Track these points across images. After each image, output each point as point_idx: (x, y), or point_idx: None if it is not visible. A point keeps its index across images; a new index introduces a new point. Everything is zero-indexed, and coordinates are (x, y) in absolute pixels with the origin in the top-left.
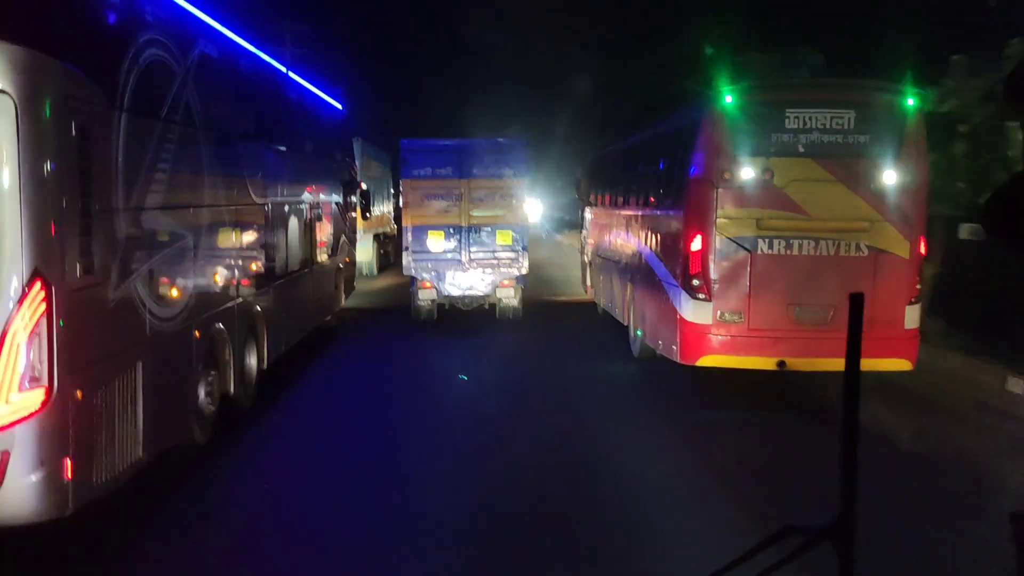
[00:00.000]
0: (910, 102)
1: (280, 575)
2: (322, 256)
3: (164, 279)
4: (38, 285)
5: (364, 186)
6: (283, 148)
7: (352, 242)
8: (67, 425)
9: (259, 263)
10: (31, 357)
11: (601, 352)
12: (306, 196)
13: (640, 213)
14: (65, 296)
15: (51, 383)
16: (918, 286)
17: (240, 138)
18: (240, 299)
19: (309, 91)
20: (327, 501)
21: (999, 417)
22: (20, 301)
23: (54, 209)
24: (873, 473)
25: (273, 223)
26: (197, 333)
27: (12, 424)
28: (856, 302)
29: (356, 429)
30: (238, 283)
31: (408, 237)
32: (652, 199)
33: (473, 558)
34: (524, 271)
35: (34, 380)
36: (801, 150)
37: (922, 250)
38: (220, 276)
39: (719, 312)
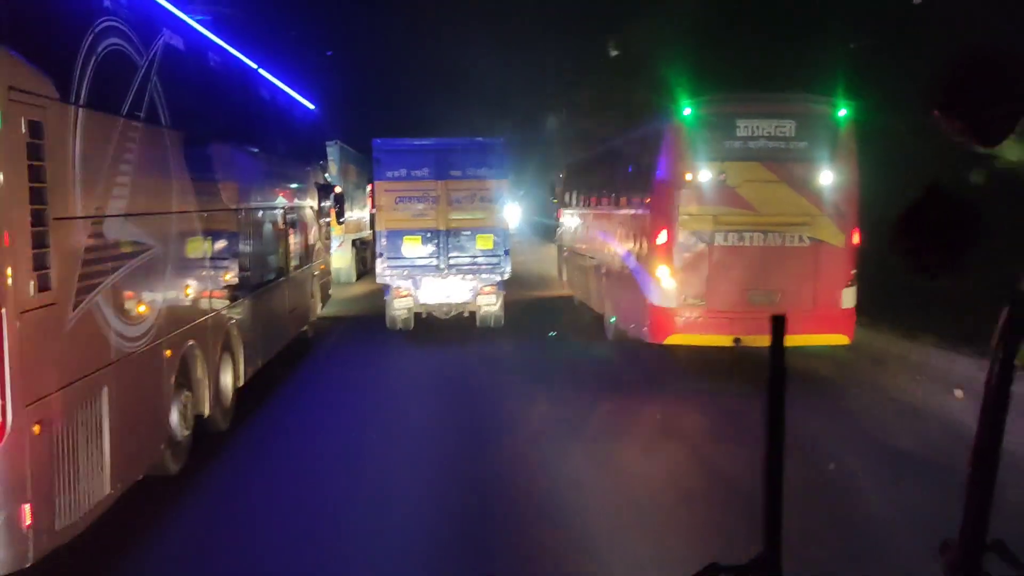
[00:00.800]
0: (841, 112)
1: None
2: (297, 264)
3: (130, 294)
4: None
5: (339, 190)
6: (254, 150)
7: (327, 248)
8: (24, 465)
9: (232, 273)
10: None
11: (579, 337)
12: (279, 201)
13: (613, 212)
14: (18, 317)
15: (4, 418)
16: (853, 271)
17: (209, 139)
18: (213, 313)
19: (280, 90)
20: (312, 536)
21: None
22: None
23: (2, 218)
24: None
25: (246, 230)
26: (168, 352)
27: None
28: (778, 325)
29: (342, 449)
30: (211, 295)
31: (382, 242)
32: (623, 200)
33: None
34: (506, 276)
35: None
36: (750, 155)
37: (856, 240)
38: (192, 288)
39: (683, 297)
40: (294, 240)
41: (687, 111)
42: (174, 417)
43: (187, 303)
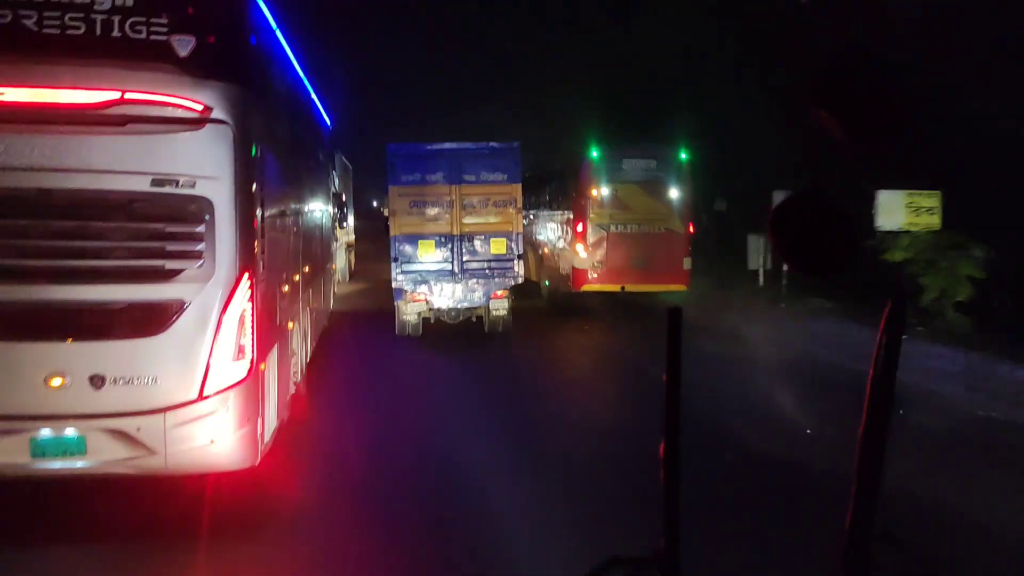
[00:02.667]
0: (683, 155)
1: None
2: (328, 261)
3: (284, 276)
4: (246, 277)
5: (344, 197)
6: (312, 161)
7: (334, 250)
8: (258, 392)
9: (308, 264)
10: (239, 336)
11: (523, 297)
12: (321, 205)
13: (549, 213)
14: (258, 287)
15: (253, 356)
16: (689, 248)
17: (302, 154)
18: (302, 297)
19: (318, 108)
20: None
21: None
22: (232, 291)
23: (251, 216)
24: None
25: (313, 228)
26: (291, 325)
27: (227, 389)
28: (673, 316)
29: (389, 405)
30: (301, 282)
31: (396, 247)
32: (555, 205)
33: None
34: (519, 280)
35: (241, 353)
36: (631, 179)
37: (691, 230)
38: (299, 276)
39: (592, 262)
40: (326, 240)
41: (595, 153)
42: (290, 376)
43: (297, 289)
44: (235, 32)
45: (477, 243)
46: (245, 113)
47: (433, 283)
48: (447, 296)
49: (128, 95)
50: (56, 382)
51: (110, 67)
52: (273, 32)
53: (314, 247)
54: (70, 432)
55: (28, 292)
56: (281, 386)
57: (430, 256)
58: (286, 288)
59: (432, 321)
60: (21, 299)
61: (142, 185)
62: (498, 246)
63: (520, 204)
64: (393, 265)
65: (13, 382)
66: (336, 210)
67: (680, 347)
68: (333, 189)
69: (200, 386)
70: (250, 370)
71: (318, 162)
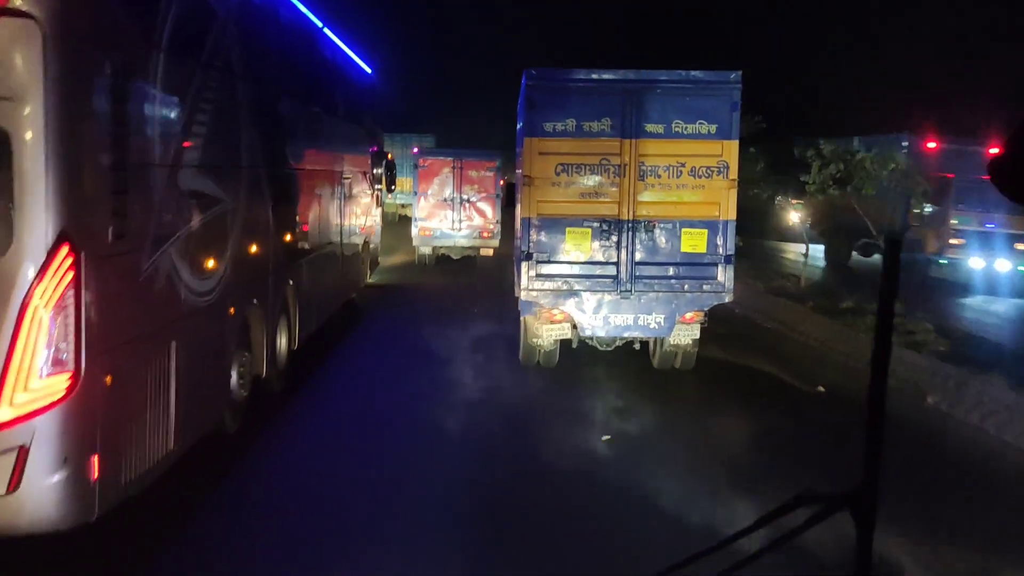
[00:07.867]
0: None
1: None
2: (351, 229)
3: (201, 247)
4: (65, 250)
5: (391, 157)
6: (316, 110)
7: (377, 216)
8: (95, 416)
9: (293, 234)
10: (55, 336)
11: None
12: (336, 164)
13: None
14: (95, 264)
15: (77, 367)
16: None
17: (277, 94)
18: (274, 273)
19: (342, 50)
20: (358, 489)
21: None
22: (43, 269)
23: (85, 160)
24: None
25: (307, 191)
26: (232, 310)
27: (31, 415)
28: (892, 246)
29: (386, 414)
30: (272, 255)
31: (530, 236)
32: None
33: None
34: (727, 299)
35: (58, 363)
36: None
37: None
38: (256, 246)
39: None
40: (348, 205)
41: None
42: (234, 376)
43: (252, 261)
44: None
45: (660, 235)
46: (78, 10)
47: (585, 295)
48: (605, 316)
49: None
50: None
51: None
52: None
53: (318, 214)
54: None
55: None
56: (190, 396)
57: (584, 253)
58: (212, 264)
59: (574, 345)
60: None
61: None
62: (694, 241)
63: (735, 173)
64: (524, 265)
65: None
66: (384, 172)
67: (897, 279)
68: (372, 148)
69: None
70: (71, 386)
71: (329, 113)
